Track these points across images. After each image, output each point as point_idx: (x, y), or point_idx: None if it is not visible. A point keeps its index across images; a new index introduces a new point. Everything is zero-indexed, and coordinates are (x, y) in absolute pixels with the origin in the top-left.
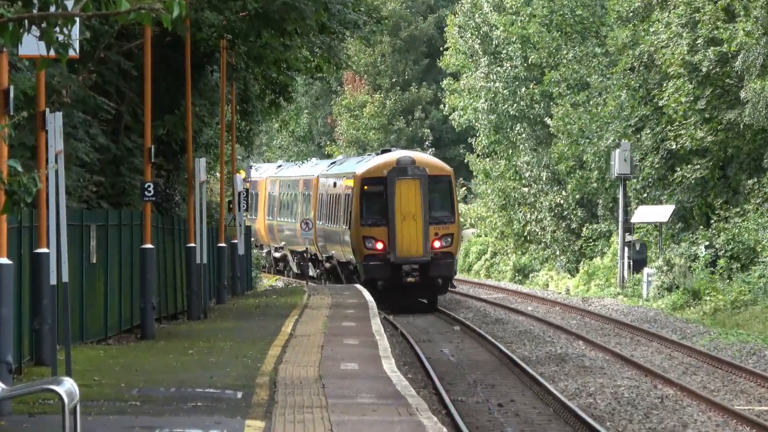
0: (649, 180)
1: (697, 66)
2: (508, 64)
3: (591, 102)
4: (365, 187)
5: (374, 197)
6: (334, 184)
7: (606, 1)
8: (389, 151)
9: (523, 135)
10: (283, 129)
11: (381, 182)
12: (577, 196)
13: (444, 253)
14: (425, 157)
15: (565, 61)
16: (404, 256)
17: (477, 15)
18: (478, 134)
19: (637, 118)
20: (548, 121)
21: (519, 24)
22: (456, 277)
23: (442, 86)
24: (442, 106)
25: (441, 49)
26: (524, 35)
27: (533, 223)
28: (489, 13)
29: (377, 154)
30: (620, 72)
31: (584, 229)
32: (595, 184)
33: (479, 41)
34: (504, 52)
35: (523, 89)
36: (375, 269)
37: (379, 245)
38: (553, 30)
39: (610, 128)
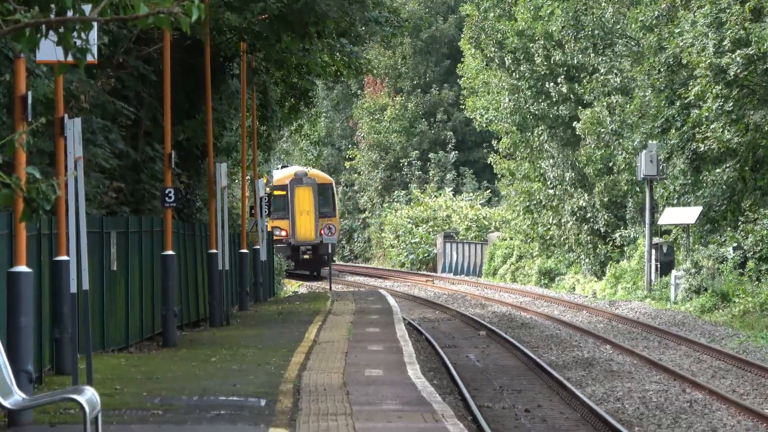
0: (677, 185)
1: (724, 69)
2: (525, 66)
3: (617, 102)
4: (274, 192)
5: (279, 198)
6: None
7: (628, 14)
8: (287, 166)
9: (544, 136)
10: (297, 133)
11: (284, 188)
12: (605, 199)
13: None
14: (315, 171)
15: (598, 71)
16: (301, 240)
17: (487, 23)
18: (500, 136)
19: (663, 119)
20: (575, 124)
21: (541, 23)
22: (481, 280)
23: (463, 90)
24: (463, 108)
25: (460, 50)
26: (547, 32)
27: (554, 227)
28: (499, 20)
29: (277, 170)
30: (644, 72)
31: (614, 234)
32: (625, 187)
33: (497, 48)
34: (524, 53)
35: (548, 84)
36: (280, 249)
37: (284, 232)
38: (581, 38)
39: (636, 130)
